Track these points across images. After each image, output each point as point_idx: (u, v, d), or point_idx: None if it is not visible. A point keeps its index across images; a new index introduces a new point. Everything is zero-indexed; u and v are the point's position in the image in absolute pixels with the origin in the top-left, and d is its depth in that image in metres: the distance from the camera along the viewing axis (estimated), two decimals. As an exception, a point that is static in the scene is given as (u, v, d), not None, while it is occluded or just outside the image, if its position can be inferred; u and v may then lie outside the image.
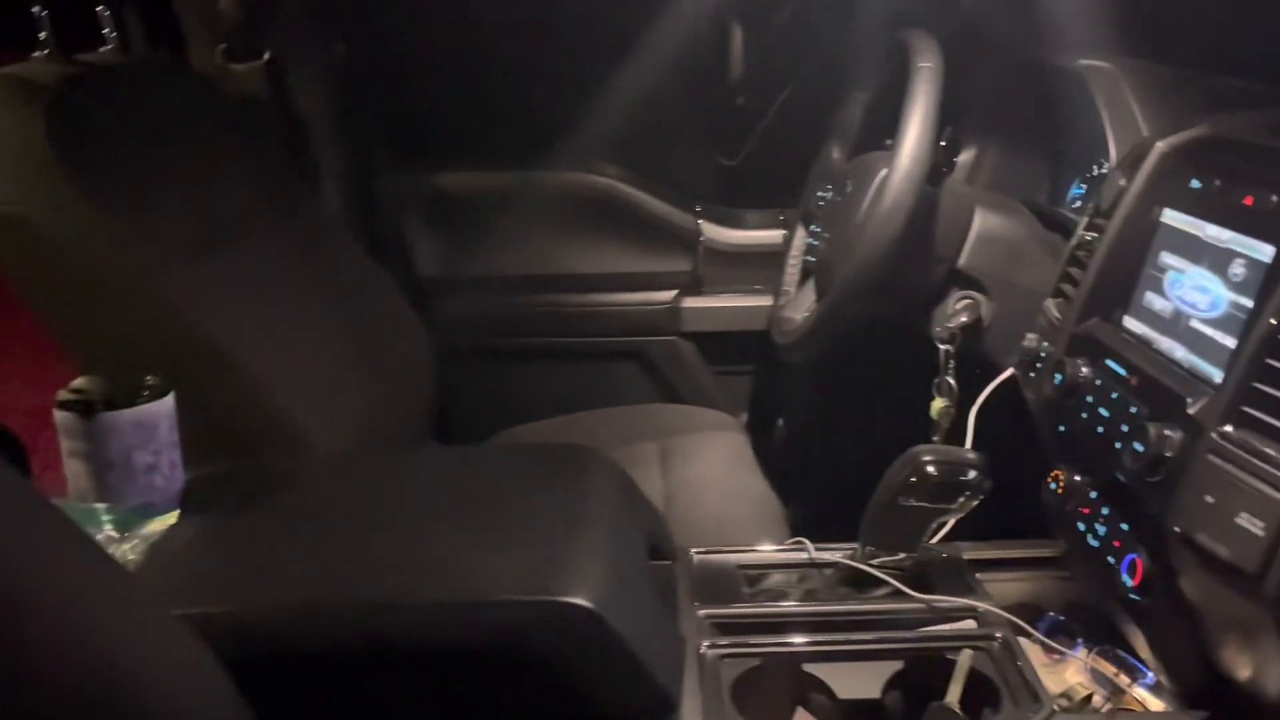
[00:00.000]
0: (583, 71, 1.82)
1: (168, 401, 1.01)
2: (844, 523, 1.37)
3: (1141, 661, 1.05)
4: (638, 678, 0.83)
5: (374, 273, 1.59)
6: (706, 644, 0.99)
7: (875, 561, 1.12)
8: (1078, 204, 1.48)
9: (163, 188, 1.25)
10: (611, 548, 0.90)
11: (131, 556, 0.90)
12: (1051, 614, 1.16)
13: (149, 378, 1.01)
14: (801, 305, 1.49)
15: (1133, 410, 0.93)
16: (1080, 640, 1.10)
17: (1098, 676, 1.06)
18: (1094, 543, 1.02)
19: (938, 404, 1.34)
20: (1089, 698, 1.02)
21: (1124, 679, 1.05)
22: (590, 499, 0.98)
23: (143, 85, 1.35)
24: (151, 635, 0.69)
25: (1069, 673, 1.07)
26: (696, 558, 1.16)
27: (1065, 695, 1.01)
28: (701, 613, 1.04)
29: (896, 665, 0.99)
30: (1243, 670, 0.83)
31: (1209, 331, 0.90)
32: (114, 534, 0.94)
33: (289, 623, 0.79)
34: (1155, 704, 1.02)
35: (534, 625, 0.80)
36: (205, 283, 1.19)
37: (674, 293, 1.86)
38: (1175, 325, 0.95)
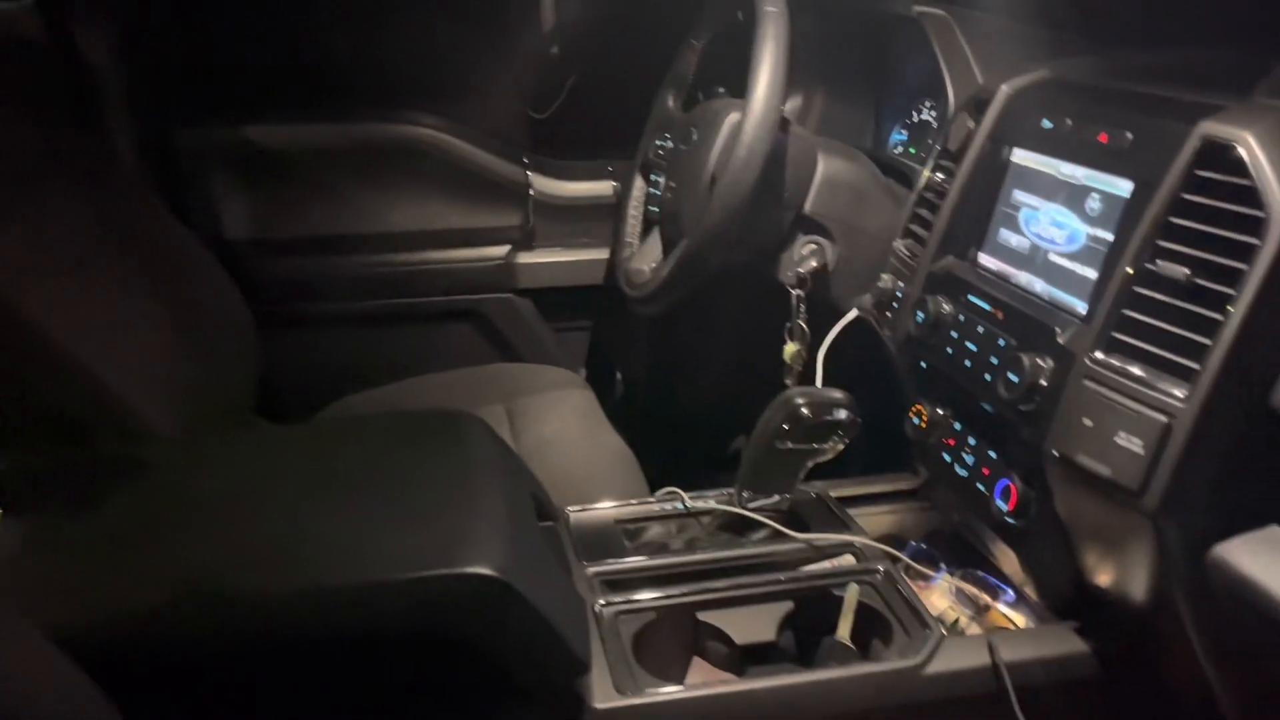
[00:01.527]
0: (386, 14, 1.71)
1: (-25, 387, 0.88)
2: (699, 470, 1.37)
3: (1002, 580, 1.12)
4: (551, 643, 0.80)
5: (182, 235, 1.45)
6: (601, 602, 0.98)
7: (751, 505, 1.13)
8: (899, 149, 1.53)
9: None
10: (506, 513, 0.86)
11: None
12: (913, 543, 1.21)
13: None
14: (649, 257, 1.48)
15: (1000, 343, 0.97)
16: (942, 565, 1.16)
17: (961, 598, 1.12)
18: (962, 472, 1.07)
19: (790, 348, 1.36)
20: (957, 621, 1.08)
21: (986, 598, 1.11)
22: (474, 464, 0.93)
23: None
24: (8, 653, 0.60)
25: (934, 597, 1.12)
26: (573, 516, 1.13)
27: (938, 619, 1.05)
28: (590, 570, 1.02)
29: (787, 606, 1.01)
30: (1114, 580, 0.89)
31: (1068, 264, 0.95)
32: (-79, 543, 0.81)
33: (171, 624, 0.70)
34: (1017, 619, 1.08)
35: (442, 601, 0.75)
36: (2, 250, 1.04)
37: (507, 248, 1.80)
38: (1033, 260, 1.00)
